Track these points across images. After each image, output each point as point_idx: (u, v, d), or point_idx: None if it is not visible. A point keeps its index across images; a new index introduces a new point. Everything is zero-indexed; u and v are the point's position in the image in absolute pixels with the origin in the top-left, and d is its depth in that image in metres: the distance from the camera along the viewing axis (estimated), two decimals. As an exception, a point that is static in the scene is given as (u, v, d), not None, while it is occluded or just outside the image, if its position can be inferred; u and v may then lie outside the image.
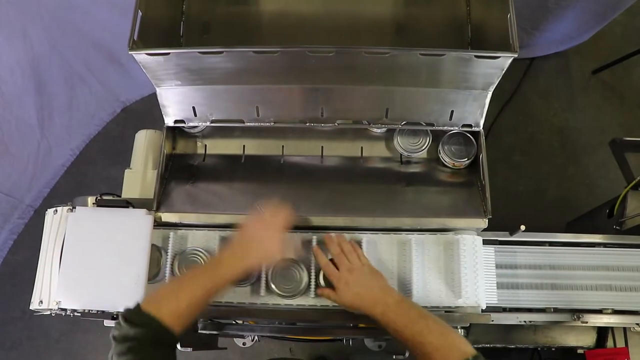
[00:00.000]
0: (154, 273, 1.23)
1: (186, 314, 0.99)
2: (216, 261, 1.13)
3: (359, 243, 1.24)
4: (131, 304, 0.97)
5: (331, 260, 1.19)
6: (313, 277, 1.21)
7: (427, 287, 1.22)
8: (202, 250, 1.24)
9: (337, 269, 1.16)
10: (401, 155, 1.38)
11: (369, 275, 1.15)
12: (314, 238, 1.23)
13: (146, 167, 1.44)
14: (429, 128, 1.31)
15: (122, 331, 0.92)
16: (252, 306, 1.22)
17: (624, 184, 1.70)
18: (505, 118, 2.72)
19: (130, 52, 1.10)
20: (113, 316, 1.25)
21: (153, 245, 1.24)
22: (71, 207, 1.29)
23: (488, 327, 1.53)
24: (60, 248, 1.25)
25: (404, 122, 1.30)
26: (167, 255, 1.24)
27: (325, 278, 1.21)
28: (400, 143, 1.36)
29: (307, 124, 1.30)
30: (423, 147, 1.36)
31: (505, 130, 2.71)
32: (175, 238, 1.26)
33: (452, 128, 1.31)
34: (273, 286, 1.20)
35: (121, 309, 1.17)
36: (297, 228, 1.27)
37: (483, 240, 1.28)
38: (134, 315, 0.94)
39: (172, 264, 1.23)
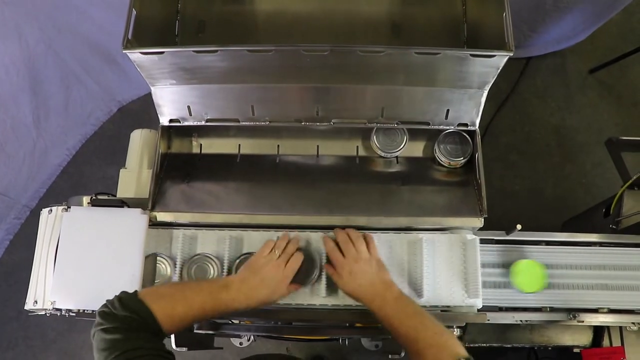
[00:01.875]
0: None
1: (179, 320, 0.99)
2: (223, 284, 1.08)
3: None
4: (130, 290, 0.98)
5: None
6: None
7: (436, 286, 1.23)
8: (212, 256, 1.24)
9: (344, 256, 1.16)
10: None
11: (374, 267, 1.16)
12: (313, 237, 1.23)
13: (141, 166, 1.43)
14: (424, 127, 1.31)
15: (113, 310, 0.92)
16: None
17: (621, 183, 1.70)
18: (502, 117, 2.72)
19: (124, 51, 1.09)
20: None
21: (153, 255, 1.24)
22: (66, 207, 1.29)
23: (484, 326, 1.53)
24: (55, 248, 1.24)
25: (400, 121, 1.30)
26: (174, 262, 1.24)
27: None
28: (377, 142, 1.35)
29: (303, 123, 1.30)
30: (400, 147, 1.35)
31: (502, 130, 2.71)
32: (185, 240, 1.25)
33: (447, 127, 1.31)
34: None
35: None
36: (293, 227, 1.27)
37: (479, 239, 1.28)
38: (130, 300, 0.94)
39: (181, 270, 1.23)
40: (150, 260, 1.24)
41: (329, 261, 1.21)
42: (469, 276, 1.22)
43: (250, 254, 1.23)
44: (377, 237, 1.24)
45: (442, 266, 1.24)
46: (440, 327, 1.04)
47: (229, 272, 1.22)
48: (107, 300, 0.95)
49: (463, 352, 0.97)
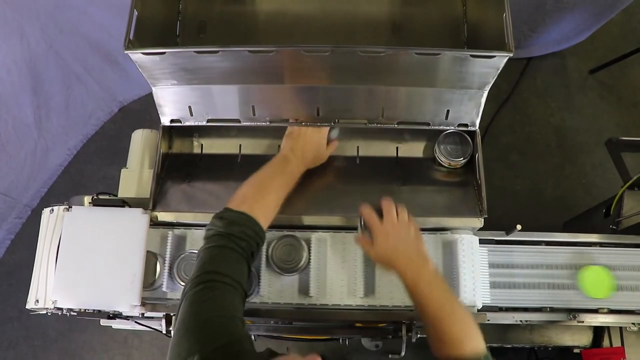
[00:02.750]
0: (150, 281, 1.24)
1: (273, 213, 1.15)
2: (282, 159, 1.23)
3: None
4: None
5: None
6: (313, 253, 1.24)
7: None
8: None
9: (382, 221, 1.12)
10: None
11: (412, 235, 1.11)
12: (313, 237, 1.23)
13: (142, 166, 1.44)
14: (424, 127, 1.31)
15: (217, 228, 1.04)
16: (252, 305, 1.23)
17: (621, 184, 1.70)
18: (502, 118, 2.72)
19: (126, 52, 1.10)
20: (109, 315, 1.25)
21: (149, 252, 1.24)
22: (67, 207, 1.29)
23: (484, 326, 1.50)
24: (57, 247, 1.25)
25: (400, 122, 1.30)
26: (164, 260, 1.24)
27: (361, 229, 1.17)
28: (442, 151, 1.35)
29: (304, 124, 1.30)
30: (467, 155, 1.34)
31: (502, 130, 2.71)
32: (173, 237, 1.26)
33: (448, 127, 1.32)
34: (272, 262, 1.23)
35: (117, 309, 1.19)
36: (292, 227, 1.27)
37: (480, 240, 1.28)
38: (232, 214, 1.06)
39: (170, 267, 1.24)
40: (150, 257, 1.24)
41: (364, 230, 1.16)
42: (468, 276, 1.22)
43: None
44: None
45: (441, 267, 1.25)
46: (469, 318, 1.02)
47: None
48: (209, 225, 1.06)
49: (483, 348, 0.97)
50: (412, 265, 1.07)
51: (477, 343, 0.98)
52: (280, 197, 1.17)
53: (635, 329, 1.44)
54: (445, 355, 0.98)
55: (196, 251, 1.22)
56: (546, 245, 1.44)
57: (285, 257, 1.24)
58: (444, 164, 1.36)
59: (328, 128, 1.30)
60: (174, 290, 1.25)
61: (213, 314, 0.92)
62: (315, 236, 1.27)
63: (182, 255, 1.25)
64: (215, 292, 0.95)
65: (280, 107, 1.28)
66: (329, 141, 1.33)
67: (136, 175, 1.42)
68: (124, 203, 1.29)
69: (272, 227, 1.27)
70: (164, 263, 1.24)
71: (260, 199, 1.12)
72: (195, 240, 1.29)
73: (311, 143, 1.27)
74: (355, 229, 1.27)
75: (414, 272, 1.05)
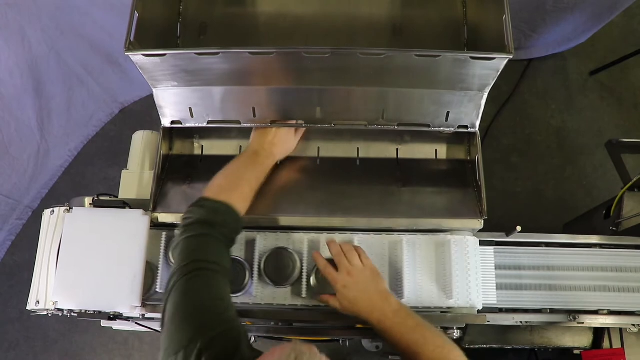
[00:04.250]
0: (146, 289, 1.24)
1: (248, 203, 1.18)
2: (252, 152, 1.26)
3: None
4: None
5: (332, 261, 1.17)
6: (305, 273, 1.23)
7: (419, 288, 1.22)
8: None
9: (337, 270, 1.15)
10: (397, 156, 1.38)
11: (369, 278, 1.13)
12: (306, 239, 1.25)
13: (143, 167, 1.44)
14: (425, 129, 1.31)
15: (199, 216, 1.07)
16: (245, 306, 1.23)
17: (621, 185, 1.70)
18: (502, 119, 2.73)
19: (127, 53, 1.10)
20: (110, 316, 1.25)
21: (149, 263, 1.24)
22: (68, 208, 1.29)
23: (484, 327, 1.53)
24: (57, 248, 1.25)
25: (400, 123, 1.30)
26: (158, 271, 1.24)
27: (316, 278, 1.22)
28: None
29: (304, 125, 1.30)
30: None
31: (502, 132, 2.71)
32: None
33: (448, 129, 1.32)
34: (265, 275, 1.22)
35: (118, 310, 1.19)
36: (294, 229, 1.28)
37: (480, 241, 1.28)
38: (210, 202, 1.09)
39: (166, 252, 1.25)
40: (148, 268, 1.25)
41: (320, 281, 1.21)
42: (461, 277, 1.22)
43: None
44: (357, 239, 1.26)
45: (440, 267, 1.25)
46: (442, 339, 1.04)
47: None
48: (186, 214, 1.09)
49: None
50: (376, 307, 1.09)
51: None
52: (253, 189, 1.21)
53: (635, 330, 1.44)
54: None
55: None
56: (546, 246, 1.44)
57: (278, 271, 1.23)
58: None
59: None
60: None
61: (210, 302, 0.96)
62: (315, 237, 1.27)
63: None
64: (209, 280, 0.98)
65: (281, 108, 1.29)
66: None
67: (137, 176, 1.42)
68: (124, 204, 1.29)
69: (272, 227, 1.28)
70: (157, 270, 1.24)
71: (236, 189, 1.16)
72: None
73: (279, 137, 1.29)
74: (355, 230, 1.28)
75: (378, 313, 1.08)
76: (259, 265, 1.23)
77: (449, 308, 1.22)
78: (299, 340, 0.84)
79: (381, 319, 1.07)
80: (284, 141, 1.31)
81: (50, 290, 1.25)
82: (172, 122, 1.32)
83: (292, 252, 1.24)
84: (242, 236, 1.28)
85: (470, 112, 1.28)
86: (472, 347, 1.55)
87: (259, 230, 1.28)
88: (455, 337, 1.32)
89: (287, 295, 1.24)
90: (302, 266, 1.24)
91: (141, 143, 1.48)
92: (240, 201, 1.15)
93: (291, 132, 1.32)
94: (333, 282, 1.14)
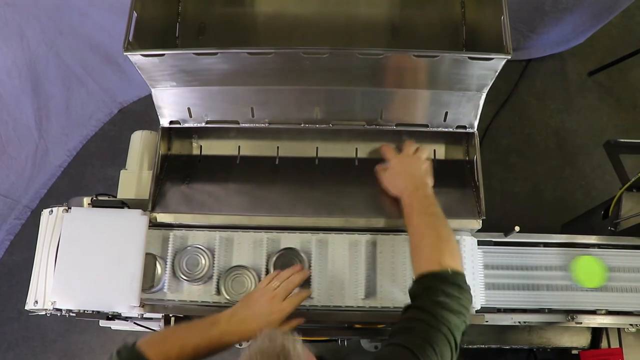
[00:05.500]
0: (149, 285, 1.24)
1: None
2: (212, 320, 1.08)
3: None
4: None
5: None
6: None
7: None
8: (203, 248, 1.24)
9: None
10: None
11: (422, 169, 1.26)
12: (314, 239, 1.24)
13: (142, 167, 1.44)
14: (423, 129, 1.31)
15: None
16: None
17: (619, 186, 1.70)
18: (501, 119, 2.73)
19: (125, 53, 1.10)
20: (108, 316, 1.25)
21: (149, 255, 1.24)
22: (67, 208, 1.29)
23: (483, 327, 1.53)
24: (56, 248, 1.25)
25: (398, 123, 1.30)
26: (164, 261, 1.24)
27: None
28: None
29: (302, 125, 1.31)
30: None
31: (501, 132, 2.71)
32: (175, 239, 1.27)
33: (446, 129, 1.32)
34: (223, 289, 1.22)
35: (116, 309, 1.19)
36: (293, 229, 1.27)
37: (479, 241, 1.29)
38: (127, 352, 0.99)
39: (172, 265, 1.24)
40: (150, 260, 1.25)
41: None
42: (469, 277, 1.22)
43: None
44: (364, 239, 1.26)
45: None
46: (449, 235, 1.08)
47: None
48: (109, 355, 0.98)
49: (454, 265, 1.01)
50: (411, 186, 1.20)
51: (448, 258, 1.02)
52: (190, 355, 1.03)
53: (633, 330, 1.44)
54: (422, 270, 1.02)
55: (198, 245, 1.24)
56: (544, 246, 1.44)
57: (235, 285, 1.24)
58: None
59: (295, 303, 1.12)
60: (175, 290, 1.25)
61: None
62: (315, 238, 1.27)
63: (184, 249, 1.25)
64: None
65: (279, 108, 1.29)
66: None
67: (135, 176, 1.42)
68: (123, 204, 1.29)
69: (272, 228, 1.28)
70: (165, 264, 1.24)
71: (164, 347, 1.02)
72: (197, 238, 1.29)
73: (257, 318, 1.08)
74: (355, 230, 1.27)
75: (411, 189, 1.19)
76: (266, 268, 1.24)
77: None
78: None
79: (410, 195, 1.18)
80: (261, 323, 1.07)
81: (49, 290, 1.25)
82: (171, 122, 1.33)
83: (300, 252, 1.25)
84: (247, 236, 1.28)
85: (468, 112, 1.28)
86: (470, 347, 1.55)
87: (256, 230, 1.28)
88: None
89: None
90: (309, 266, 1.24)
91: (140, 143, 1.48)
92: None
93: (278, 315, 1.09)
94: (391, 158, 1.29)
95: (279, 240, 1.27)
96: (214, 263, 1.23)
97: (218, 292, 1.23)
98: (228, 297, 1.22)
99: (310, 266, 1.24)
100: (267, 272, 1.24)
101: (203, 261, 1.24)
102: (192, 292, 1.25)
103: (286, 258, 1.24)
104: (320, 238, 1.27)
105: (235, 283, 1.23)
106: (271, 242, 1.27)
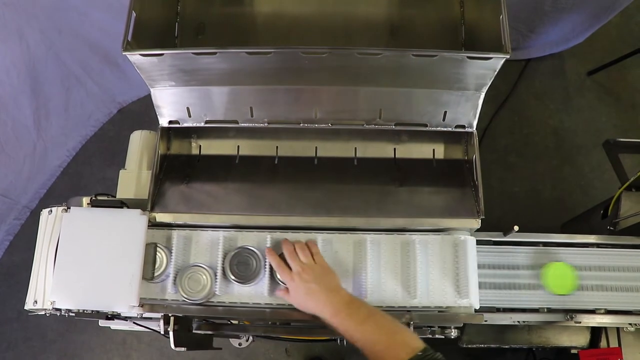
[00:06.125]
0: (149, 275, 1.23)
1: None
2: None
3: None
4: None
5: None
6: (267, 271, 1.22)
7: (430, 287, 1.23)
8: (205, 266, 1.23)
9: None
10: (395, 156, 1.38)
11: (320, 275, 1.15)
12: (268, 237, 1.24)
13: (141, 167, 1.44)
14: (422, 129, 1.31)
15: None
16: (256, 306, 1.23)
17: (618, 185, 1.70)
18: (500, 119, 2.73)
19: (124, 53, 1.10)
20: (107, 316, 1.25)
21: (150, 244, 1.24)
22: (66, 208, 1.29)
23: (482, 327, 1.53)
24: (55, 248, 1.25)
25: (397, 123, 1.30)
26: (171, 255, 1.24)
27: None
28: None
29: (301, 125, 1.31)
30: None
31: (500, 132, 2.72)
32: (179, 239, 1.26)
33: (445, 129, 1.32)
34: (229, 272, 1.21)
35: (116, 309, 1.19)
36: (292, 228, 1.28)
37: (477, 241, 1.28)
38: None
39: (175, 275, 1.23)
40: (151, 249, 1.24)
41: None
42: (465, 277, 1.23)
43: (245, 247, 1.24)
44: (369, 238, 1.25)
45: (437, 267, 1.25)
46: (395, 325, 1.05)
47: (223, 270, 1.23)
48: None
49: (419, 345, 0.98)
50: (326, 303, 1.10)
51: (410, 343, 0.99)
52: None
53: (632, 329, 1.44)
54: None
55: (200, 264, 1.22)
56: (543, 246, 1.44)
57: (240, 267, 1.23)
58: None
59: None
60: (177, 291, 1.24)
61: None
62: (321, 237, 1.27)
63: (188, 267, 1.23)
64: None
65: (278, 108, 1.29)
66: None
67: (135, 176, 1.42)
68: (122, 204, 1.29)
69: (272, 228, 1.27)
70: (170, 256, 1.23)
71: None
72: (200, 244, 1.27)
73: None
74: (354, 230, 1.27)
75: (330, 308, 1.09)
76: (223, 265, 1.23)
77: (447, 307, 1.22)
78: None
79: (334, 314, 1.08)
80: None
81: (48, 289, 1.25)
82: (170, 122, 1.33)
83: (259, 252, 1.23)
84: (251, 236, 1.28)
85: (467, 111, 1.28)
86: (470, 346, 1.55)
87: (255, 230, 1.28)
88: (452, 337, 1.33)
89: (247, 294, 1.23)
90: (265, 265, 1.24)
91: (139, 143, 1.48)
92: None
93: None
94: (286, 281, 1.16)
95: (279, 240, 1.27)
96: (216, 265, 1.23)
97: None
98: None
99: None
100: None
101: (254, 263, 1.23)
102: (242, 294, 1.24)
103: (241, 257, 1.23)
104: (325, 237, 1.27)
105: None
106: (274, 241, 1.26)
